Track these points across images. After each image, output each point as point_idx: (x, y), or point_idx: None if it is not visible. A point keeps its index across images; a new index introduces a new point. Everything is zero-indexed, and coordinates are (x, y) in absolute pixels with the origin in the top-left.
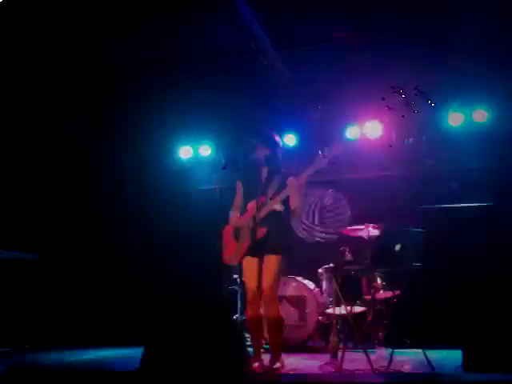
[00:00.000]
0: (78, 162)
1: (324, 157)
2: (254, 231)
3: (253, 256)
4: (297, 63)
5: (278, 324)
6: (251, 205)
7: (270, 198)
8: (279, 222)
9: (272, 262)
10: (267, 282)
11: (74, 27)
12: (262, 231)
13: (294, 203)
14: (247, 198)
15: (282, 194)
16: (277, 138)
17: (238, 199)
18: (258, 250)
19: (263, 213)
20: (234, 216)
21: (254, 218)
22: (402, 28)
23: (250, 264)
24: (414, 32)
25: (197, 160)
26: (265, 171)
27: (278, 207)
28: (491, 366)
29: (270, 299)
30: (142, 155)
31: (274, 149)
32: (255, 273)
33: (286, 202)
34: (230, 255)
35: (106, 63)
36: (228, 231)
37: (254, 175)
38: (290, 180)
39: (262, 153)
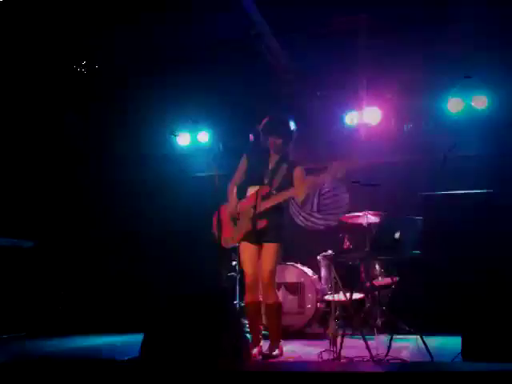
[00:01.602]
0: (75, 149)
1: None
2: (254, 221)
3: (251, 243)
4: (296, 50)
5: (276, 310)
6: (252, 193)
7: (275, 190)
8: (280, 213)
9: (271, 249)
10: (266, 268)
11: (72, 21)
12: (262, 222)
13: (299, 195)
14: (249, 180)
15: (288, 192)
16: (292, 128)
17: (239, 174)
18: (257, 237)
19: (265, 205)
20: (231, 192)
21: (255, 207)
22: (402, 14)
23: (248, 250)
24: (413, 18)
25: (195, 146)
26: (274, 158)
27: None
28: (490, 353)
29: (268, 286)
30: (139, 142)
31: (288, 139)
32: (254, 259)
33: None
34: (225, 238)
35: (104, 49)
36: (225, 213)
37: (262, 159)
38: (297, 170)
39: (277, 141)
